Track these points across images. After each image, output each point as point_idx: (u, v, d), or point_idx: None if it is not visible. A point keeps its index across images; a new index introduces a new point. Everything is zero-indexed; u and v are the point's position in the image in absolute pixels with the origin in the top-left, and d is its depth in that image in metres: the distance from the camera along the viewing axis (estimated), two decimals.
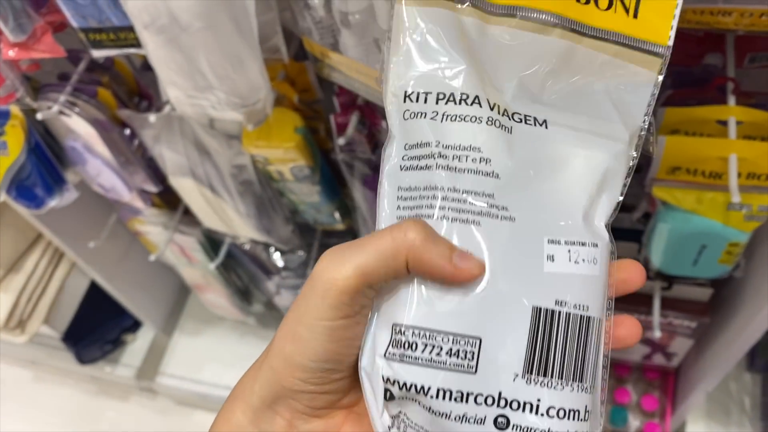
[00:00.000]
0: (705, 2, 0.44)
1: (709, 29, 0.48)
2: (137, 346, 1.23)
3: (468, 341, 0.27)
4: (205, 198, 0.75)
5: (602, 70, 0.29)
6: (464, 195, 0.28)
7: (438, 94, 0.29)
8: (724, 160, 0.52)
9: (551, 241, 0.28)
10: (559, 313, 0.27)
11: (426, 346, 0.27)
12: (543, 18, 0.28)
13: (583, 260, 0.28)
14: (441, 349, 0.27)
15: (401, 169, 0.29)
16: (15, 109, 0.69)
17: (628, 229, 0.76)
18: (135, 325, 1.24)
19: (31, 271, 1.07)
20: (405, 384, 0.27)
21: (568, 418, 0.27)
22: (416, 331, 0.27)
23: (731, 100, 0.54)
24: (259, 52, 0.50)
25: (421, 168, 0.28)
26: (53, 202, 0.76)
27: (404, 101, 0.29)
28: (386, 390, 0.27)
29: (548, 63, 0.29)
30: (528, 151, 0.29)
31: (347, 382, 0.30)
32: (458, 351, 0.27)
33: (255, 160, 0.68)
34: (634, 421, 0.98)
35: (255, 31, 0.49)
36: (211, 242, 0.93)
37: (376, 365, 0.27)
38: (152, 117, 0.64)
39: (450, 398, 0.27)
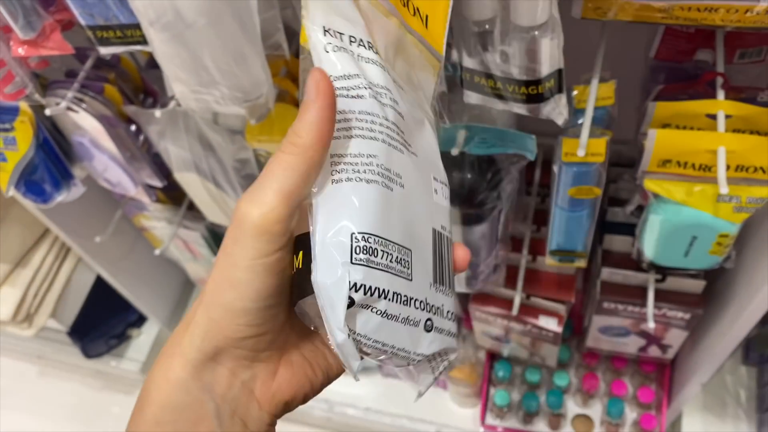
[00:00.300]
0: None
1: (698, 26, 0.49)
2: (142, 340, 1.25)
3: (406, 252, 0.30)
4: (209, 192, 0.76)
5: (416, 60, 0.34)
6: (392, 125, 0.31)
7: (350, 37, 0.32)
8: (714, 153, 0.53)
9: (434, 178, 0.34)
10: (443, 235, 0.34)
11: (383, 253, 0.29)
12: (385, 5, 0.33)
13: (446, 197, 0.35)
14: (392, 256, 0.29)
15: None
16: (24, 106, 0.70)
17: (622, 222, 0.77)
18: (140, 320, 1.26)
19: (38, 266, 1.08)
20: (371, 288, 0.28)
21: (451, 319, 0.33)
22: (376, 239, 0.28)
23: (720, 94, 0.55)
24: (261, 49, 0.52)
25: (353, 97, 0.30)
26: (61, 197, 0.77)
27: (324, 35, 0.31)
28: (349, 297, 0.28)
29: (394, 43, 0.33)
30: (406, 104, 0.33)
31: (282, 318, 0.31)
32: (401, 259, 0.30)
33: (257, 155, 0.70)
34: (630, 413, 0.99)
35: (257, 28, 0.50)
36: (215, 237, 0.95)
37: (341, 273, 0.28)
38: (157, 113, 0.65)
39: (400, 301, 0.29)
